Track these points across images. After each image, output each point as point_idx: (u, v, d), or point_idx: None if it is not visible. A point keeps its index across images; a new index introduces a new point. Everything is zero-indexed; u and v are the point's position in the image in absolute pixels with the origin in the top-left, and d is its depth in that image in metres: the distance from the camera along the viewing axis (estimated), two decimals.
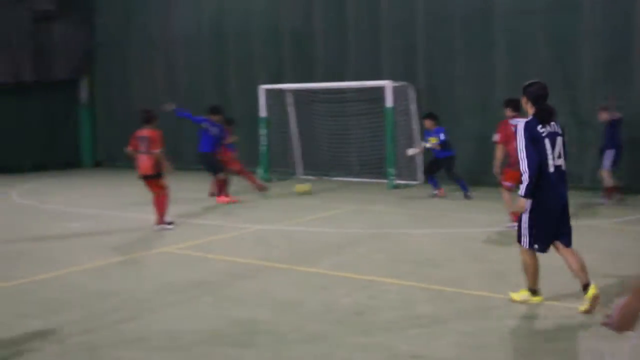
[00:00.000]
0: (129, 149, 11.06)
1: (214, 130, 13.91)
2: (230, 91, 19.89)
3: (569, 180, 6.44)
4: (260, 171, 17.76)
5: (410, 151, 15.05)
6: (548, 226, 6.29)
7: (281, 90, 18.23)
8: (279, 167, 18.41)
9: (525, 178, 6.15)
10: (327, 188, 16.06)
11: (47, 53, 22.42)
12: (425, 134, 14.58)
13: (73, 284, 7.61)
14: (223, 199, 13.77)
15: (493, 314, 6.23)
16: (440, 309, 6.39)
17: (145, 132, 10.93)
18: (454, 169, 14.20)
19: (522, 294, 6.55)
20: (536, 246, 6.33)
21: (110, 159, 22.88)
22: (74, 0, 22.75)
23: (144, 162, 10.86)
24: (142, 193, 12.01)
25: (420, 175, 16.38)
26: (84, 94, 23.68)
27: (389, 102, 15.54)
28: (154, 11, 21.78)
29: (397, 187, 15.63)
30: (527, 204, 6.22)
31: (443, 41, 16.20)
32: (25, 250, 9.62)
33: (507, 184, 10.32)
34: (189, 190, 14.97)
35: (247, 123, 17.99)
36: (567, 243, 6.34)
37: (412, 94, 16.56)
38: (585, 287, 6.20)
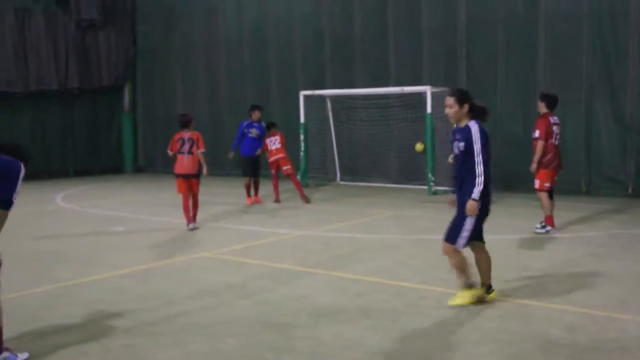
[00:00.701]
0: (170, 151, 11.64)
1: (253, 132, 14.40)
2: (271, 97, 20.03)
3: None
4: (298, 177, 17.83)
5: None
6: (480, 225, 6.57)
7: (321, 96, 18.29)
8: (318, 173, 18.47)
9: (480, 182, 6.31)
10: (365, 194, 16.05)
11: (91, 61, 22.91)
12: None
13: (115, 286, 7.75)
14: (250, 200, 14.51)
15: (535, 321, 6.15)
16: (481, 316, 6.34)
17: (187, 134, 11.56)
18: None
19: (466, 294, 6.62)
20: (467, 245, 6.58)
21: (151, 164, 23.24)
22: (117, 9, 23.22)
23: (187, 162, 11.44)
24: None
25: None
26: (126, 101, 24.13)
27: (428, 107, 15.48)
28: (195, 18, 22.06)
29: (436, 193, 15.53)
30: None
31: (484, 45, 16.09)
32: (70, 253, 9.83)
33: (547, 184, 10.22)
34: (227, 195, 15.10)
35: (287, 128, 18.09)
36: (483, 240, 6.71)
37: None
38: (490, 287, 6.65)
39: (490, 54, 16.02)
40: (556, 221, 10.75)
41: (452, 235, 6.53)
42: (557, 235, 10.38)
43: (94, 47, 22.99)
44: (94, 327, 6.21)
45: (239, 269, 8.59)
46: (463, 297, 6.62)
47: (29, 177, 20.17)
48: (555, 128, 10.45)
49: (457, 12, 16.46)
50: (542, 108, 10.49)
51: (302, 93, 17.88)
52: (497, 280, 7.67)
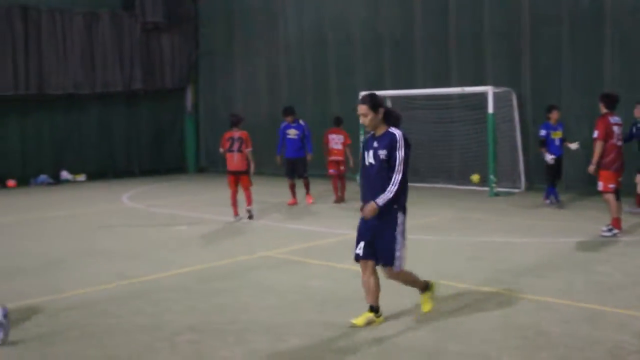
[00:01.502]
0: (222, 149, 12.51)
1: (292, 133, 14.51)
2: (330, 98, 20.09)
3: None
4: (357, 177, 17.84)
5: (573, 145, 13.78)
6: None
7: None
8: None
9: (392, 190, 5.87)
10: (426, 194, 15.95)
11: (155, 63, 23.44)
12: (544, 127, 13.47)
13: (180, 284, 7.92)
14: (293, 201, 14.55)
15: (603, 327, 6.01)
16: (545, 320, 6.23)
17: (236, 133, 12.44)
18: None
19: (368, 316, 6.19)
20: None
21: (213, 165, 23.58)
22: (180, 12, 23.67)
23: (237, 160, 12.33)
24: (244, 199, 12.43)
25: (523, 182, 16.02)
26: (189, 102, 24.59)
27: (490, 108, 15.28)
28: (256, 20, 22.32)
29: (497, 194, 15.31)
30: (399, 217, 6.01)
31: (549, 45, 15.78)
32: (137, 251, 10.09)
33: (611, 185, 9.98)
34: (288, 195, 15.21)
35: (347, 130, 18.11)
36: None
37: (514, 100, 16.21)
38: (378, 309, 6.20)
39: (555, 53, 15.70)
40: (623, 224, 10.47)
41: (389, 256, 6.03)
42: (624, 238, 10.11)
43: (157, 50, 23.52)
44: (161, 323, 6.36)
45: (300, 268, 8.66)
46: (427, 299, 6.47)
47: (95, 177, 20.80)
48: (615, 128, 10.19)
49: (521, 11, 16.19)
50: (602, 108, 10.29)
51: (362, 94, 17.84)
52: (563, 282, 7.52)
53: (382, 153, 5.94)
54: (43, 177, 20.99)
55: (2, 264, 9.25)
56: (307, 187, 14.77)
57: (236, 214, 12.48)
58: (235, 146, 12.34)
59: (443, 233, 10.96)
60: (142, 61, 22.98)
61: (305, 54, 20.98)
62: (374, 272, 6.17)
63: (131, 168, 22.96)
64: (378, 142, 6.02)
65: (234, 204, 12.48)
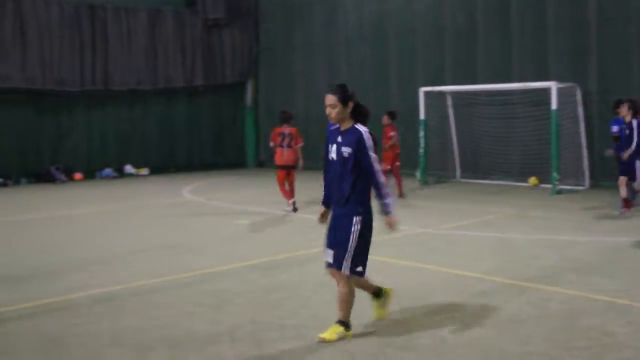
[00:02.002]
0: (272, 143, 12.97)
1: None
2: (390, 92, 20.03)
3: None
4: (417, 174, 17.75)
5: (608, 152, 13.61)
6: (368, 244, 5.67)
7: (441, 92, 18.10)
8: (437, 170, 18.29)
9: (387, 193, 5.52)
10: (486, 191, 15.75)
11: (216, 58, 23.79)
12: (615, 123, 13.02)
13: (241, 277, 8.03)
14: None
15: None
16: (610, 321, 6.09)
17: (287, 129, 12.94)
18: None
19: (337, 330, 5.68)
20: (360, 269, 5.65)
21: (272, 159, 23.71)
22: (241, 8, 23.95)
23: (287, 155, 12.86)
24: (304, 193, 12.50)
25: (587, 180, 15.67)
26: (249, 97, 24.86)
27: (553, 104, 14.97)
28: (316, 15, 22.40)
29: (560, 192, 15.01)
30: (355, 218, 5.54)
31: (616, 40, 15.36)
32: (198, 243, 10.28)
33: None
34: None
35: (406, 125, 18.04)
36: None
37: (579, 96, 15.85)
38: (348, 324, 5.71)
39: (624, 49, 15.28)
40: None
41: (338, 258, 5.57)
42: None
43: (218, 45, 23.86)
44: (221, 315, 6.47)
45: None
46: (378, 306, 6.01)
47: (157, 170, 21.32)
48: None
49: (588, 5, 15.80)
50: None
51: (422, 89, 17.74)
52: (627, 282, 7.33)
53: (346, 150, 5.52)
54: (108, 170, 21.58)
55: (74, 255, 9.57)
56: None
57: (290, 197, 12.91)
58: (286, 142, 12.84)
59: (504, 230, 10.81)
60: (203, 57, 23.36)
61: (365, 48, 20.95)
62: (347, 282, 5.67)
63: (192, 162, 23.39)
64: (342, 138, 5.59)
65: (286, 193, 13.00)
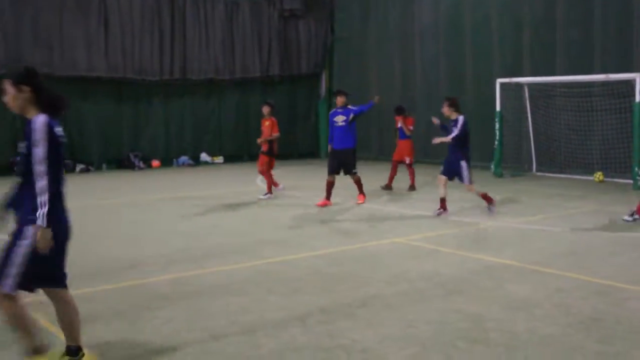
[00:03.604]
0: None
1: (339, 119, 12.92)
2: (466, 84, 19.75)
3: None
4: (492, 166, 17.46)
5: None
6: (60, 260, 4.61)
7: (517, 84, 17.73)
8: (512, 163, 17.95)
9: (44, 201, 4.31)
10: (564, 186, 15.36)
11: (292, 49, 23.99)
12: None
13: (311, 267, 8.12)
14: (323, 203, 12.98)
15: None
16: None
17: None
18: None
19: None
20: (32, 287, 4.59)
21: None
22: None
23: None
24: (369, 186, 12.46)
25: None
26: (323, 87, 24.96)
27: (638, 96, 14.45)
28: (391, 4, 22.26)
29: None
30: (29, 230, 4.38)
31: None
32: (270, 233, 10.43)
33: None
34: (399, 180, 15.11)
35: (481, 116, 17.78)
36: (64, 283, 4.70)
37: None
38: (77, 350, 4.71)
39: None
40: None
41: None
42: None
43: (294, 36, 24.06)
44: (293, 303, 6.56)
45: (432, 256, 8.63)
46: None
47: (232, 159, 21.71)
48: None
49: None
50: None
51: (499, 81, 17.42)
52: None
53: (21, 146, 4.46)
54: (184, 158, 22.13)
55: (155, 236, 9.89)
56: (359, 186, 13.20)
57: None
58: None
59: (581, 226, 10.54)
60: (279, 47, 23.62)
61: (440, 39, 20.71)
62: (61, 300, 4.73)
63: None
64: (24, 132, 4.49)
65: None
